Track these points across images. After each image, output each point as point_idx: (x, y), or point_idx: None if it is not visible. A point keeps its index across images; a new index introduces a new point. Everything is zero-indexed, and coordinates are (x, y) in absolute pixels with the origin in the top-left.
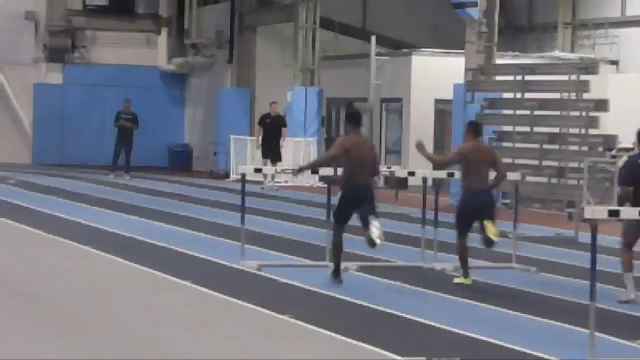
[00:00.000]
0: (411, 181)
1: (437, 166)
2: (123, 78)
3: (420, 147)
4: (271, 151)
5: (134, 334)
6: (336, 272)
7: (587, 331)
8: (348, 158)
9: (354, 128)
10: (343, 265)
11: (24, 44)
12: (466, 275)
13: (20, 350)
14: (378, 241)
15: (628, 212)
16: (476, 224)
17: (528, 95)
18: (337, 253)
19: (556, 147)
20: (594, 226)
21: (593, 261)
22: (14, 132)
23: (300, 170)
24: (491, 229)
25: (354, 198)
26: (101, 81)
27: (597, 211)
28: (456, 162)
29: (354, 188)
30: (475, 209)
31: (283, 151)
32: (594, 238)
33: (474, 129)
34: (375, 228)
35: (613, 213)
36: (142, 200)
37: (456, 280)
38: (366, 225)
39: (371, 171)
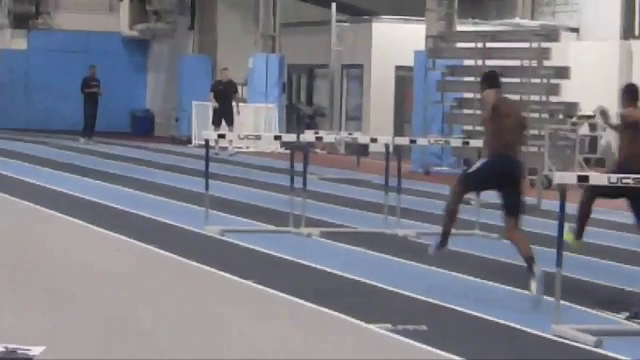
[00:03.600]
0: (371, 147)
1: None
2: (86, 44)
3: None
4: (225, 116)
5: (93, 298)
6: (443, 240)
7: (552, 299)
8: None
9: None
10: (306, 231)
11: None
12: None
13: None
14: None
15: (597, 178)
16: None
17: (489, 62)
18: (449, 221)
19: None
20: (563, 191)
21: (560, 227)
22: None
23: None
24: None
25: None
26: (64, 47)
27: (566, 176)
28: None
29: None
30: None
31: (243, 116)
32: (563, 204)
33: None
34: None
35: (582, 178)
36: (106, 165)
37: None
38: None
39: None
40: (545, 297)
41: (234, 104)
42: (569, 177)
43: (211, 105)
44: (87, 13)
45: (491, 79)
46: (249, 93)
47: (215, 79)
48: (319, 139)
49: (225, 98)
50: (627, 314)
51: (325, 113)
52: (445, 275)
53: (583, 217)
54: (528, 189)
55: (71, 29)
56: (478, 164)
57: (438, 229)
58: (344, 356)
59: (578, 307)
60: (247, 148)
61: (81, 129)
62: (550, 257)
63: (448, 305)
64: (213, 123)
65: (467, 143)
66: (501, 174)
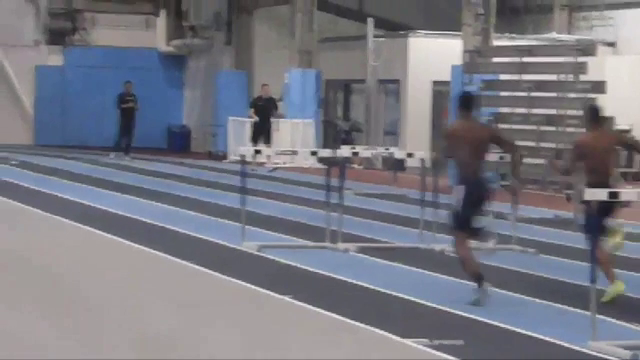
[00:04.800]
0: (408, 162)
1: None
2: (122, 60)
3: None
4: (264, 133)
5: (132, 313)
6: (479, 281)
7: (588, 313)
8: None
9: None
10: (343, 246)
11: (25, 26)
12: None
13: (18, 323)
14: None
15: (628, 194)
16: None
17: (525, 77)
18: (471, 268)
19: (553, 129)
20: (594, 207)
21: (593, 243)
22: (16, 113)
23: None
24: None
25: (476, 194)
26: (100, 63)
27: (596, 193)
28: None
29: (474, 184)
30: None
31: (281, 132)
32: (594, 219)
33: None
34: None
35: (613, 195)
36: (143, 181)
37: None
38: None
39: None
40: (582, 312)
41: (273, 120)
42: (600, 194)
43: (251, 121)
44: (123, 29)
45: (466, 102)
46: (285, 108)
47: (255, 95)
48: (355, 154)
49: (265, 114)
50: None
51: (362, 128)
52: None
53: (604, 263)
54: (565, 203)
55: (107, 45)
56: (460, 200)
57: (475, 243)
58: None
59: (615, 322)
60: (284, 163)
61: (113, 144)
62: (585, 271)
63: (484, 320)
64: (251, 140)
65: (502, 158)
66: (478, 196)
